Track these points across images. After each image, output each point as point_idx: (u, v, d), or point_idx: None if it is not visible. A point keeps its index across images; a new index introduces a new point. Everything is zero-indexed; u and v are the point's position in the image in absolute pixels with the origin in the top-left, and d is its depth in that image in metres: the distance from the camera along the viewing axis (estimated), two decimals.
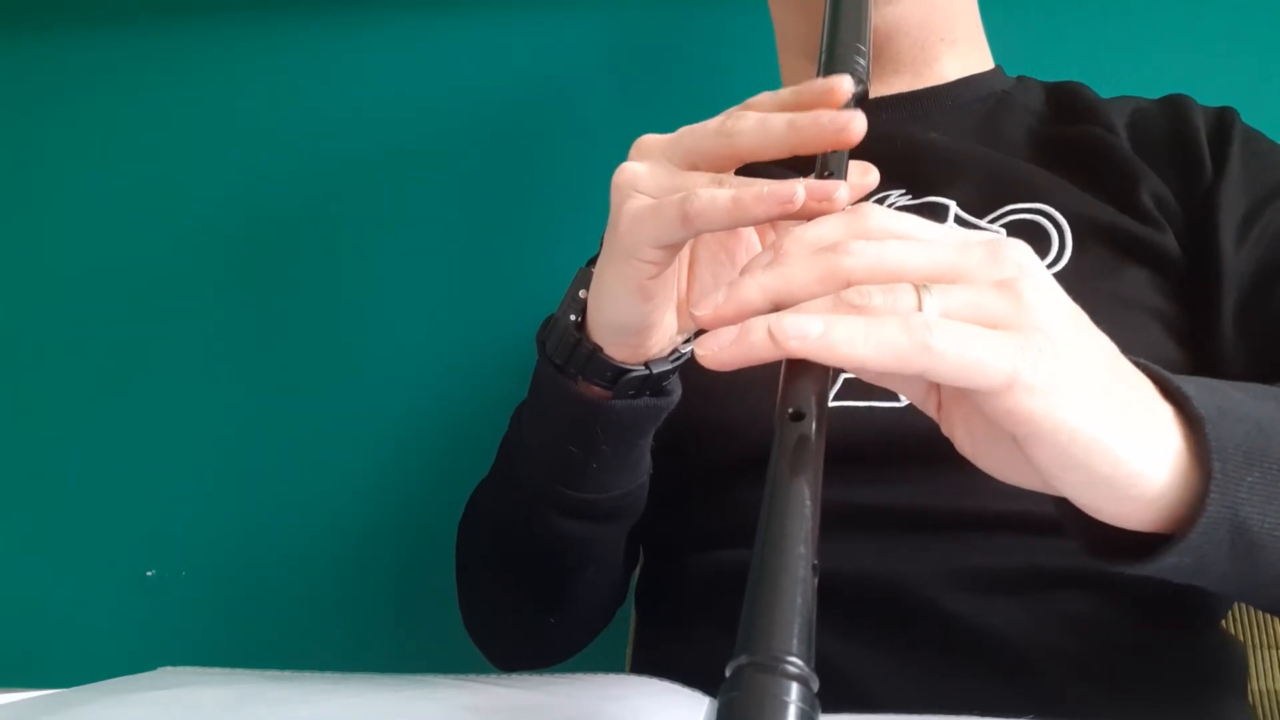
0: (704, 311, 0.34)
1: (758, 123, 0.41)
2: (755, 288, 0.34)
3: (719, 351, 0.33)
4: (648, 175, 0.43)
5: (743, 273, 0.35)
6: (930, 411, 0.39)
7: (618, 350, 0.47)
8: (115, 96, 1.02)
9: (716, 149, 0.42)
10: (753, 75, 0.91)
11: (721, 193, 0.39)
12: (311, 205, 0.99)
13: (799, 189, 0.37)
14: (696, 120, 0.43)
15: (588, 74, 0.97)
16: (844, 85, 0.41)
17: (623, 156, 0.45)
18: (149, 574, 0.96)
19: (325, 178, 0.99)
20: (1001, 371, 0.31)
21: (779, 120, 0.40)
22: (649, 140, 0.44)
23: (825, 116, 0.39)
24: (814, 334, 0.31)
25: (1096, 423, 0.32)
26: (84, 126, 1.02)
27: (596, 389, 0.48)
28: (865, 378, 0.37)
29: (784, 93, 0.42)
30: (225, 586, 0.95)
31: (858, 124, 0.39)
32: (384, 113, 0.99)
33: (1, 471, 0.99)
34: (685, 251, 0.47)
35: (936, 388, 0.37)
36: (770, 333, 0.31)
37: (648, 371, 0.48)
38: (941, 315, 0.32)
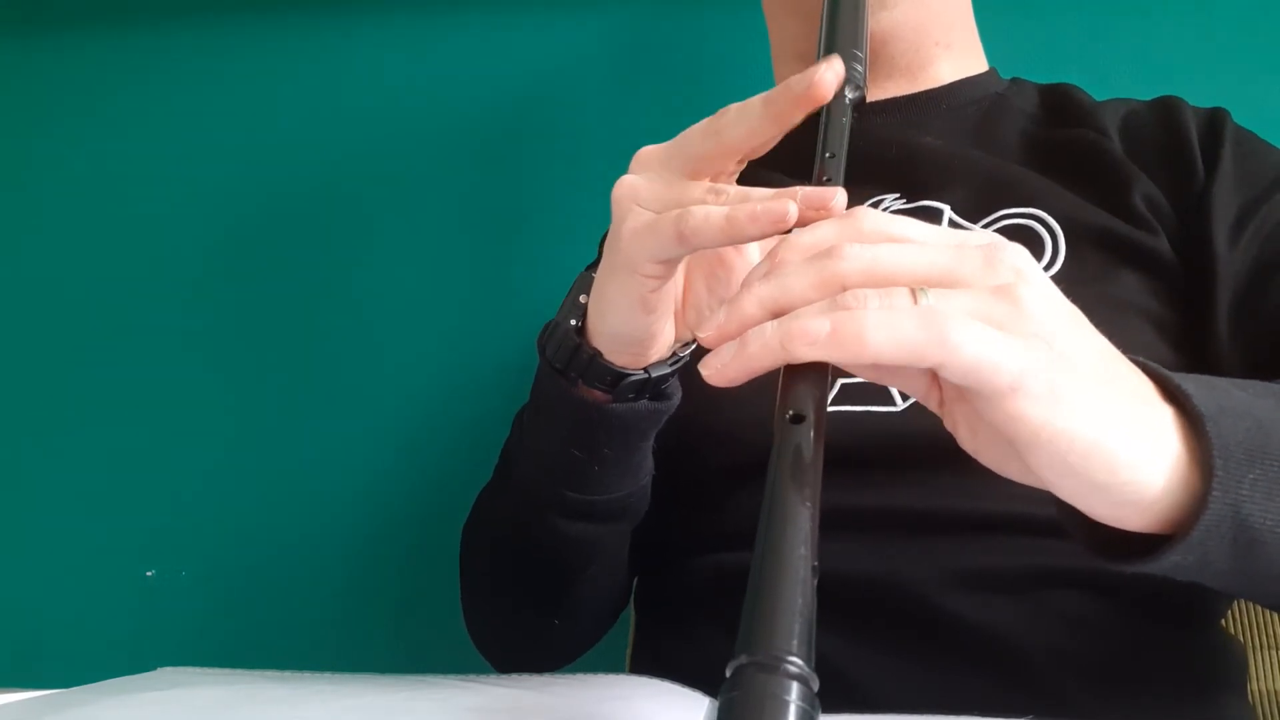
0: (707, 333, 0.35)
1: (738, 112, 0.41)
2: (754, 302, 0.34)
3: (723, 369, 0.33)
4: (646, 188, 0.43)
5: (742, 286, 0.35)
6: (932, 406, 0.39)
7: (618, 357, 0.47)
8: (115, 96, 1.02)
9: (708, 149, 0.42)
10: (749, 79, 0.92)
11: (716, 211, 0.39)
12: (313, 206, 0.99)
13: (791, 207, 0.38)
14: (693, 124, 0.43)
15: (591, 76, 0.97)
16: (834, 68, 0.40)
17: (623, 160, 0.45)
18: (149, 574, 0.96)
19: (327, 179, 0.99)
20: (1011, 374, 0.31)
21: (754, 102, 0.41)
22: (647, 152, 0.44)
23: (794, 80, 0.40)
24: (821, 334, 0.31)
25: (1093, 431, 0.32)
26: (84, 126, 1.02)
27: (597, 392, 0.49)
28: (867, 376, 0.37)
29: (772, 91, 0.42)
30: (225, 586, 0.95)
31: (826, 76, 0.40)
32: (384, 115, 0.99)
33: (1, 471, 0.99)
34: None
35: (938, 384, 0.37)
36: (780, 344, 0.32)
37: (647, 375, 0.48)
38: None
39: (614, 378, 0.48)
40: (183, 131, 1.01)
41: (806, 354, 0.31)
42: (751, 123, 0.41)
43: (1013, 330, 0.32)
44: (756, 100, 0.41)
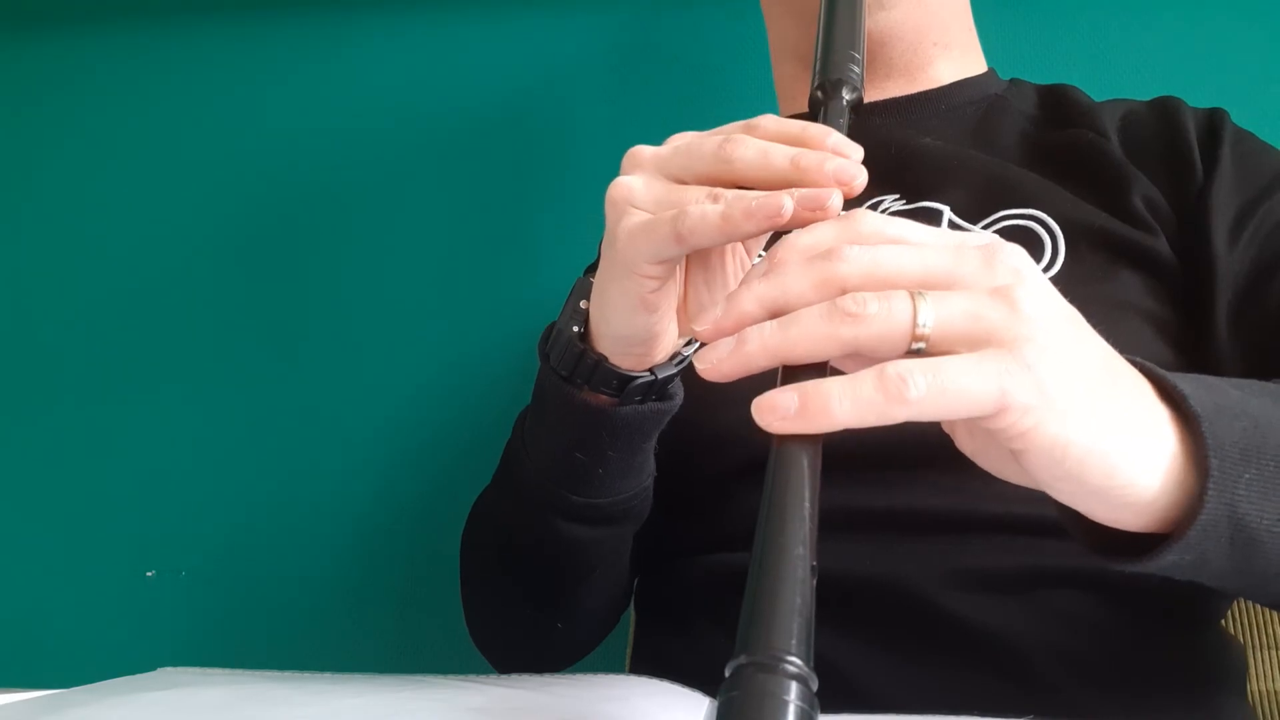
0: (703, 327, 0.35)
1: (760, 154, 0.40)
2: (752, 299, 0.34)
3: (718, 364, 0.34)
4: (643, 189, 0.42)
5: (741, 284, 0.35)
6: None
7: (623, 359, 0.47)
8: (114, 96, 1.02)
9: (714, 172, 0.41)
10: (748, 79, 0.92)
11: (712, 209, 0.39)
12: (313, 206, 0.99)
13: (786, 201, 0.37)
14: (693, 125, 0.43)
15: (591, 76, 0.98)
16: (855, 155, 0.40)
17: (621, 161, 0.45)
18: (149, 574, 0.96)
19: (325, 180, 0.99)
20: (990, 397, 0.31)
21: (782, 155, 0.40)
22: (641, 153, 0.44)
23: (832, 164, 0.39)
24: (791, 410, 0.31)
25: (1089, 436, 0.32)
26: (83, 126, 1.02)
27: (603, 397, 0.49)
28: None
29: (791, 126, 0.42)
30: (225, 586, 0.95)
31: (860, 180, 0.39)
32: (383, 115, 0.99)
33: (1, 472, 0.99)
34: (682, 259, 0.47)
35: None
36: (754, 408, 0.32)
37: (653, 377, 0.48)
38: (936, 324, 0.32)
39: (620, 382, 0.48)
40: (184, 131, 1.01)
41: (777, 428, 0.32)
42: (768, 173, 0.40)
43: (1006, 334, 0.32)
44: (784, 155, 0.39)
